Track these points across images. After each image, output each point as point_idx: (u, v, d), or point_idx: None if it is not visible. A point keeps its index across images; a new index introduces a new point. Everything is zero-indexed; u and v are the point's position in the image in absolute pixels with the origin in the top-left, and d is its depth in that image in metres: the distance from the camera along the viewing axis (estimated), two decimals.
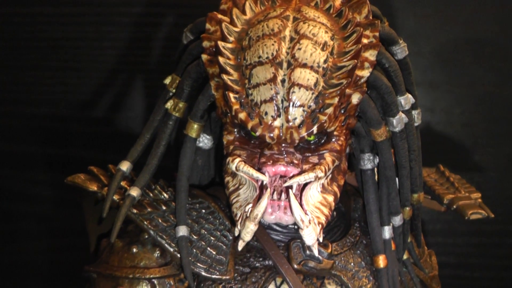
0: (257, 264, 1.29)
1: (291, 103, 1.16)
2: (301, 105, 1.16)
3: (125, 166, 1.30)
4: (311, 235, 1.20)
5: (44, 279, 2.06)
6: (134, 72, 2.00)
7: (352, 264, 1.33)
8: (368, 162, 1.30)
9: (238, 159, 1.21)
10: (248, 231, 1.21)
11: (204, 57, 1.24)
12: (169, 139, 1.31)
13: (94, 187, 1.30)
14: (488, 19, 1.98)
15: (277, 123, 1.16)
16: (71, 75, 2.01)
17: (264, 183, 1.20)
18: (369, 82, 1.23)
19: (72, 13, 1.98)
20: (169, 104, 1.30)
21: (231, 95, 1.18)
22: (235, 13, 1.23)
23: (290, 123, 1.16)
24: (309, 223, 1.20)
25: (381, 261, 1.31)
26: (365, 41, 1.21)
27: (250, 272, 1.28)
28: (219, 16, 1.24)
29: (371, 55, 1.21)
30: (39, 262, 2.05)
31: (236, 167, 1.20)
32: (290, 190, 1.19)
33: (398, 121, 1.26)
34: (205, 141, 1.33)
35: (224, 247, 1.28)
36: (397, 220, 1.32)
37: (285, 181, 1.19)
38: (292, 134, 1.17)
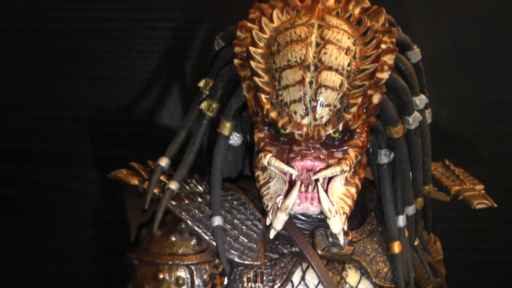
0: (285, 251, 1.21)
1: (319, 103, 1.08)
2: (328, 105, 1.08)
3: (164, 161, 1.21)
4: (337, 224, 1.13)
5: (92, 262, 2.00)
6: (159, 79, 1.93)
7: (370, 250, 1.24)
8: (385, 157, 1.22)
9: (269, 155, 1.13)
10: (279, 221, 1.13)
11: (236, 61, 1.16)
12: (203, 137, 1.22)
13: (135, 181, 1.21)
14: (471, 32, 1.92)
15: (305, 121, 1.09)
16: (103, 83, 1.93)
17: (293, 176, 1.12)
18: (388, 84, 1.15)
19: (104, 29, 1.90)
20: (203, 105, 1.21)
21: (263, 96, 1.11)
22: (264, 22, 1.16)
23: (317, 121, 1.09)
24: (336, 213, 1.12)
25: (396, 247, 1.23)
26: (383, 46, 1.13)
27: (279, 258, 1.20)
28: (249, 24, 1.17)
29: (389, 59, 1.14)
30: (86, 248, 1.99)
31: (268, 162, 1.12)
32: (319, 182, 1.12)
33: (413, 120, 1.18)
34: (235, 139, 1.23)
35: (255, 235, 1.20)
36: (410, 210, 1.24)
37: (314, 174, 1.11)
38: (319, 132, 1.09)
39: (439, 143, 1.90)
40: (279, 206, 1.13)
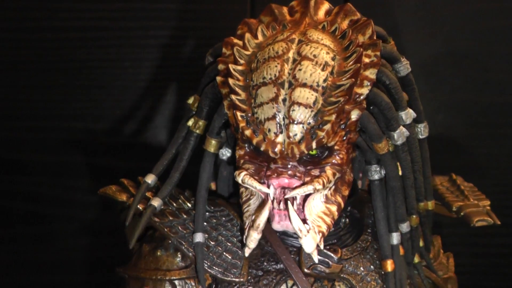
0: (269, 268, 1.21)
1: (292, 121, 1.08)
2: (301, 122, 1.08)
3: (150, 178, 1.22)
4: (309, 243, 1.11)
5: (86, 272, 2.00)
6: (152, 88, 1.92)
7: (361, 268, 1.23)
8: (375, 173, 1.20)
9: (244, 173, 1.12)
10: (252, 239, 1.13)
11: (219, 79, 1.16)
12: (191, 154, 1.22)
13: (123, 198, 1.23)
14: (465, 35, 1.91)
15: (279, 139, 1.08)
16: (96, 93, 1.93)
17: (271, 195, 1.11)
18: (369, 99, 1.13)
19: (95, 38, 1.90)
20: (190, 122, 1.22)
21: (238, 113, 1.10)
22: (247, 38, 1.15)
23: (291, 139, 1.08)
24: (308, 232, 1.11)
25: (389, 265, 1.21)
26: (366, 60, 1.12)
27: (263, 275, 1.20)
28: (234, 40, 1.16)
29: (371, 73, 1.12)
30: (80, 258, 1.99)
31: (242, 180, 1.12)
32: (288, 201, 1.11)
33: (399, 135, 1.16)
34: (227, 154, 1.25)
35: (240, 252, 1.21)
36: (404, 227, 1.22)
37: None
38: (293, 149, 1.08)
39: (434, 146, 1.91)
40: (252, 224, 1.13)
